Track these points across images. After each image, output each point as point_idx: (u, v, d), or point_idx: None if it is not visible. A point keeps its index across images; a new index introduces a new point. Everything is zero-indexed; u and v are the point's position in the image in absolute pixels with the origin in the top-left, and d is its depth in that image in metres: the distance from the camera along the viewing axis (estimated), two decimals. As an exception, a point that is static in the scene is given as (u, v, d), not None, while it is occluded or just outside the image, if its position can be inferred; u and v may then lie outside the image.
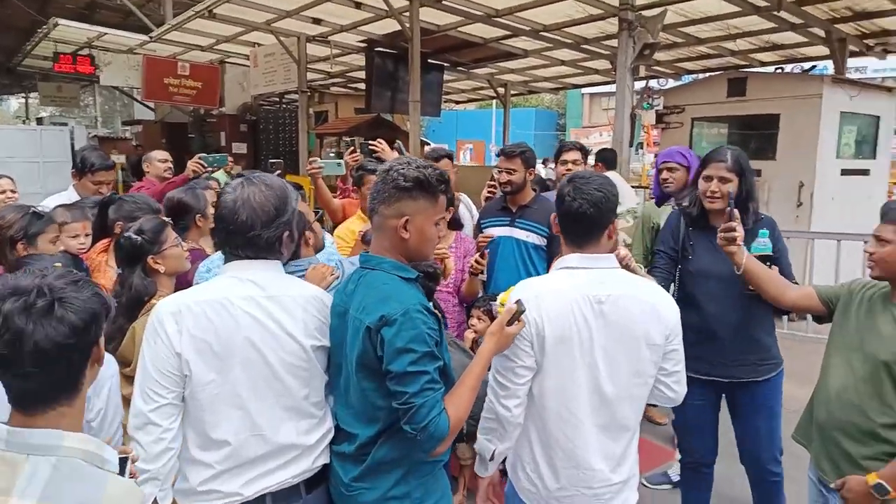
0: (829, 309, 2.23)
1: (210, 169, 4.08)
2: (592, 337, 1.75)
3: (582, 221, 1.80)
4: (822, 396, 2.16)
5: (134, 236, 2.24)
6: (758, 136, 7.22)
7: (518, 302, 1.74)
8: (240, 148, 12.81)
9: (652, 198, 3.81)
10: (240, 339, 1.61)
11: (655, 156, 12.25)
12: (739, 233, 2.28)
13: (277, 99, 13.69)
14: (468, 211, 4.15)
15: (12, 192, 3.88)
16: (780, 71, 9.38)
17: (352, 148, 4.49)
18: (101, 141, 16.51)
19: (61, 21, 11.00)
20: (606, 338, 1.76)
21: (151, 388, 1.59)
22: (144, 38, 10.83)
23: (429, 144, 17.74)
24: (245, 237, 1.65)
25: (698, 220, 2.68)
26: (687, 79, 10.71)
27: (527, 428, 1.86)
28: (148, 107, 16.08)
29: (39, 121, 19.41)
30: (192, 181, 3.75)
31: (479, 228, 3.67)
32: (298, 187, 4.54)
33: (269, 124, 13.50)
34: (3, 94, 33.95)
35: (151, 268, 2.26)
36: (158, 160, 4.49)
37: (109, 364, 1.83)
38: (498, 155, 3.67)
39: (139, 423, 1.59)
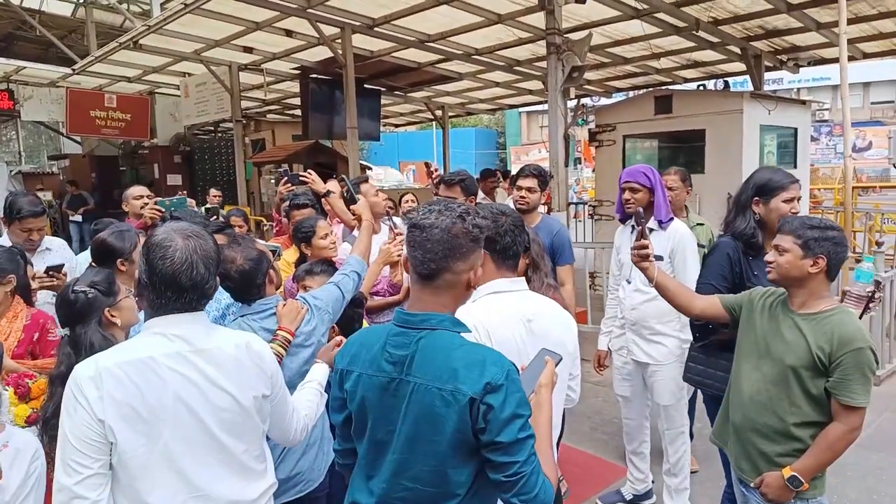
0: (734, 317, 2.36)
1: (169, 214, 3.88)
2: (527, 350, 1.83)
3: (513, 251, 1.95)
4: (735, 400, 2.28)
5: (87, 289, 2.05)
6: (687, 150, 7.48)
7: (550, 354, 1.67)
8: (174, 179, 12.48)
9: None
10: (168, 400, 1.53)
11: (593, 170, 12.58)
12: (651, 249, 2.44)
13: (212, 128, 13.44)
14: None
15: None
16: (702, 88, 9.82)
17: (285, 178, 4.39)
18: (25, 177, 15.78)
19: (-24, 55, 10.51)
20: (536, 349, 1.78)
21: (75, 458, 1.47)
22: (67, 70, 10.46)
23: (370, 168, 17.72)
24: (202, 290, 1.59)
25: (758, 248, 2.67)
26: (617, 96, 11.07)
27: None
28: (75, 140, 15.48)
29: (-44, 158, 18.40)
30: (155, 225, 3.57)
31: None
32: (243, 214, 4.46)
33: (204, 154, 13.20)
34: (-84, 131, 32.17)
35: (108, 321, 2.08)
36: (133, 197, 4.27)
37: (29, 443, 1.72)
38: (437, 184, 3.66)
39: (65, 499, 1.47)
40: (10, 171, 15.24)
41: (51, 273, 3.08)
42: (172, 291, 1.56)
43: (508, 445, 1.39)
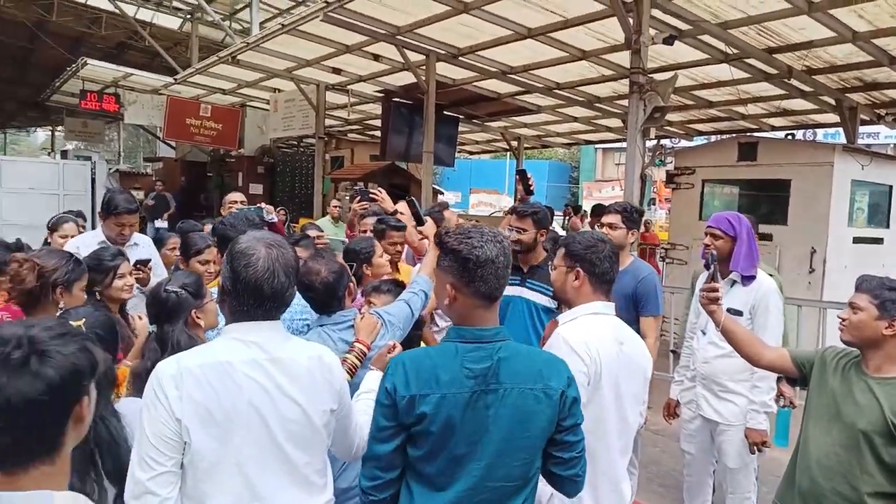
0: (802, 373, 2.30)
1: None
2: (618, 372, 2.02)
3: (609, 276, 2.11)
4: (803, 464, 2.20)
5: (178, 290, 2.16)
6: (769, 200, 7.22)
7: None
8: (256, 189, 13.01)
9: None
10: (242, 405, 1.56)
11: (668, 213, 12.24)
12: (722, 293, 2.44)
13: (295, 143, 13.97)
14: None
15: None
16: (790, 137, 9.47)
17: (359, 196, 4.53)
18: (122, 175, 16.84)
19: (90, 61, 11.39)
20: (625, 373, 2.05)
21: (150, 454, 1.51)
22: (169, 79, 11.19)
23: (441, 193, 17.95)
24: (282, 297, 1.63)
25: None
26: (699, 139, 10.82)
27: None
28: (169, 145, 16.45)
29: (64, 153, 19.86)
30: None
31: None
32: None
33: (286, 167, 13.74)
34: (31, 126, 34.98)
35: (194, 322, 2.18)
36: (230, 201, 4.60)
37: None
38: (510, 212, 3.62)
39: (137, 493, 1.51)
40: (109, 169, 16.30)
41: (138, 266, 3.29)
42: (254, 298, 1.59)
43: (579, 427, 1.70)
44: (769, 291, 3.02)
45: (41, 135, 41.42)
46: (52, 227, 4.39)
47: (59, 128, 23.41)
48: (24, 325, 1.12)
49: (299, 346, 1.71)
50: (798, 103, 8.25)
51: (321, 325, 2.38)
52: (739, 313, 2.94)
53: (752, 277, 3.04)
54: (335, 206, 8.28)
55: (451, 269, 1.67)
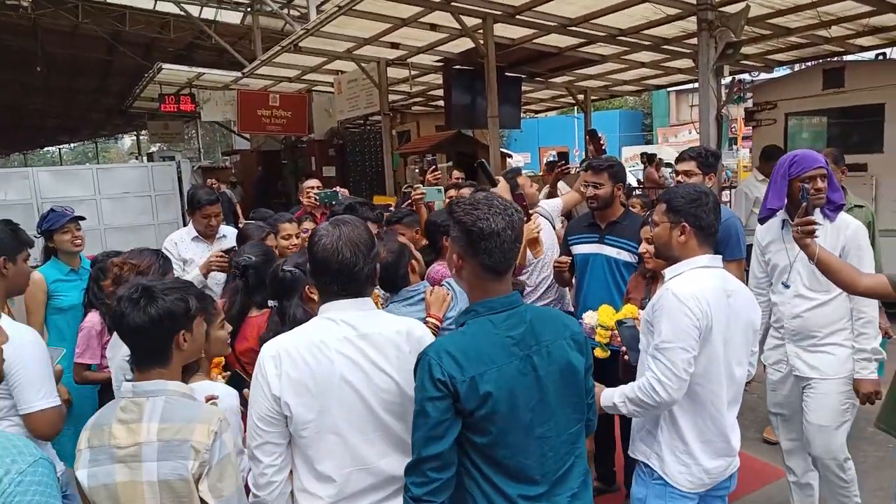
0: None
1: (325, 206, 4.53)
2: (726, 324, 2.07)
3: (714, 229, 2.14)
4: None
5: (293, 269, 2.39)
6: (861, 128, 6.75)
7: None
8: (329, 171, 13.36)
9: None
10: (336, 380, 1.68)
11: (750, 150, 11.57)
12: (817, 225, 2.40)
13: (362, 122, 14.19)
14: (549, 221, 4.02)
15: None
16: (881, 57, 8.71)
17: (433, 167, 4.62)
18: (204, 171, 17.68)
19: (165, 65, 11.96)
20: (733, 325, 2.09)
21: (258, 425, 1.70)
22: (238, 74, 11.59)
23: (510, 156, 17.78)
24: (351, 274, 1.71)
25: None
26: (779, 70, 10.15)
27: (670, 415, 2.12)
28: (244, 137, 17.10)
29: (150, 156, 21.02)
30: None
31: (566, 244, 3.59)
32: (385, 208, 4.81)
33: (355, 147, 14.01)
34: (118, 133, 37.21)
35: (308, 297, 2.37)
36: (307, 188, 4.92)
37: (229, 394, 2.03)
38: (584, 168, 3.53)
39: (249, 455, 1.75)
40: (193, 167, 17.17)
41: (222, 256, 3.53)
42: (326, 275, 1.73)
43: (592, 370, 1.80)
44: (857, 230, 2.82)
45: (127, 140, 43.98)
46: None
47: (143, 132, 24.74)
48: (150, 280, 1.82)
49: (388, 321, 1.81)
50: (889, 18, 7.56)
51: (391, 303, 2.54)
52: None
53: (841, 207, 2.85)
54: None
55: (458, 241, 1.66)
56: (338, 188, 5.13)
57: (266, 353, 1.72)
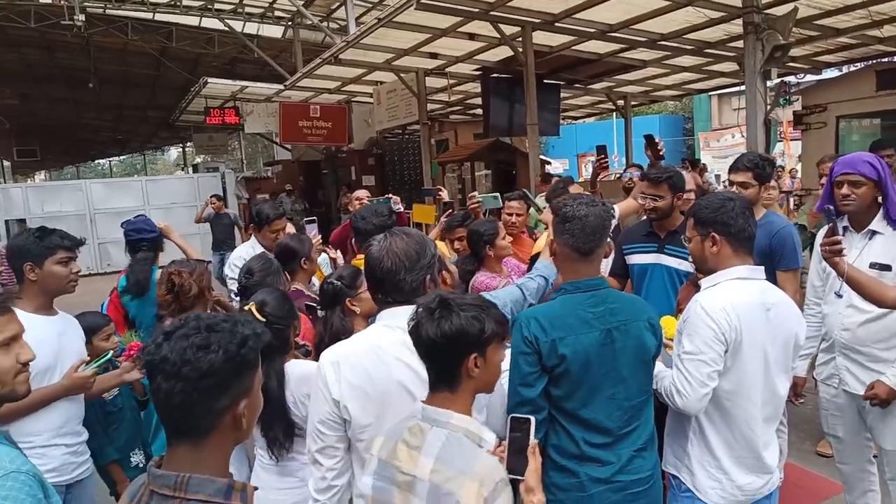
0: None
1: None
2: (764, 339, 2.03)
3: (747, 233, 2.10)
4: None
5: (335, 282, 2.47)
6: (917, 130, 6.50)
7: None
8: (368, 180, 13.51)
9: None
10: (393, 385, 1.72)
11: (799, 158, 11.23)
12: (844, 244, 2.37)
13: (400, 131, 14.31)
14: None
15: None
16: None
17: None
18: (247, 181, 18.12)
19: (210, 79, 12.29)
20: (772, 340, 2.05)
21: (319, 429, 1.76)
22: (279, 86, 11.83)
23: (549, 163, 17.68)
24: (392, 282, 1.78)
25: None
26: (828, 72, 9.86)
27: (700, 429, 2.10)
28: (286, 148, 17.44)
29: (195, 167, 21.61)
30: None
31: (619, 253, 3.39)
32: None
33: (394, 156, 14.14)
34: (165, 145, 38.42)
35: (349, 309, 2.45)
36: (356, 198, 5.03)
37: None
38: (641, 179, 3.34)
39: (311, 460, 1.81)
40: (237, 178, 17.58)
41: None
42: (373, 283, 1.83)
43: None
44: None
45: (174, 152, 45.31)
46: None
47: (189, 144, 25.46)
48: (451, 293, 1.68)
49: None
50: (946, 16, 7.28)
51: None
52: (888, 267, 2.61)
53: None
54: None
55: (554, 224, 2.03)
56: (390, 195, 5.18)
57: (325, 358, 1.78)
